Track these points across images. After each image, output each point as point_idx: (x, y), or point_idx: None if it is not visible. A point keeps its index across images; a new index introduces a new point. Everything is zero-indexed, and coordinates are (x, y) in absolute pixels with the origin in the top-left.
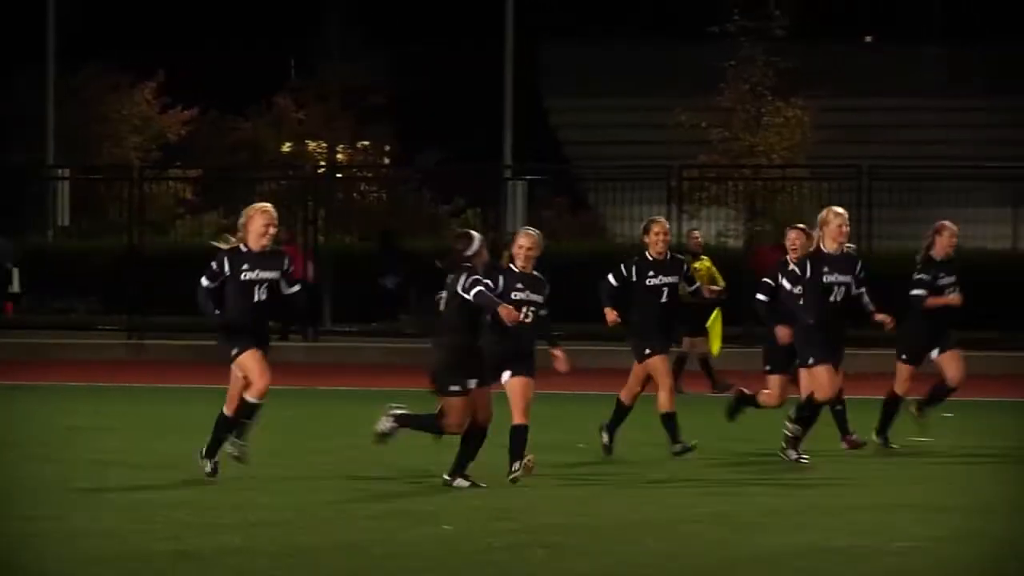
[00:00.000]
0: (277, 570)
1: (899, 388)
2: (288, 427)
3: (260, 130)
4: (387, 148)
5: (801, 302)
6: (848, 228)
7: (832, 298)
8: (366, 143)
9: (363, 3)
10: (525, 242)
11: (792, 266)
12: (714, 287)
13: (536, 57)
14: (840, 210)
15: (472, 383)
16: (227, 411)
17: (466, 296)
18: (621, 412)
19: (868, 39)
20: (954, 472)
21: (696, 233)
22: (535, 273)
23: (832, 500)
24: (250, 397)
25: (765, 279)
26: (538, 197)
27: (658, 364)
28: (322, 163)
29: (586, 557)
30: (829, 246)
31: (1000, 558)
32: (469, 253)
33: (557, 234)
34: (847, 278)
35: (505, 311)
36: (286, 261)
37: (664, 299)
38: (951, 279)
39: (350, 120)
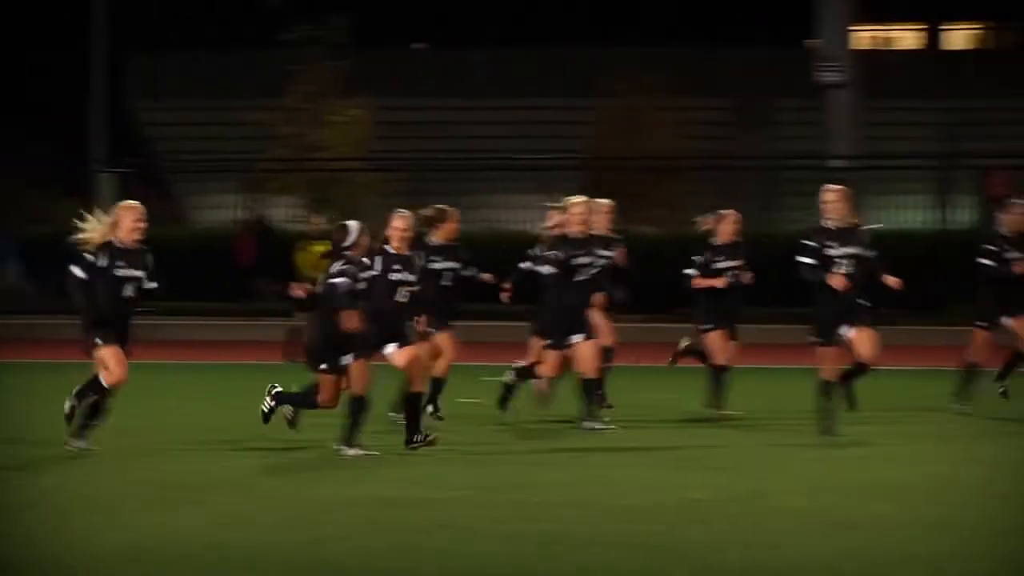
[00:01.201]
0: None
1: (718, 358)
2: None
3: None
4: None
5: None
6: (587, 215)
7: (580, 277)
8: None
9: None
10: (400, 223)
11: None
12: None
13: (130, 60)
14: (579, 199)
15: (345, 360)
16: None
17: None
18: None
19: (420, 45)
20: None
21: (316, 219)
22: (409, 253)
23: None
24: (106, 384)
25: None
26: (127, 188)
27: (443, 338)
28: None
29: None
30: (572, 230)
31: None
32: (347, 243)
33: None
34: (591, 259)
35: (347, 317)
36: (150, 258)
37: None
38: (733, 262)
39: None
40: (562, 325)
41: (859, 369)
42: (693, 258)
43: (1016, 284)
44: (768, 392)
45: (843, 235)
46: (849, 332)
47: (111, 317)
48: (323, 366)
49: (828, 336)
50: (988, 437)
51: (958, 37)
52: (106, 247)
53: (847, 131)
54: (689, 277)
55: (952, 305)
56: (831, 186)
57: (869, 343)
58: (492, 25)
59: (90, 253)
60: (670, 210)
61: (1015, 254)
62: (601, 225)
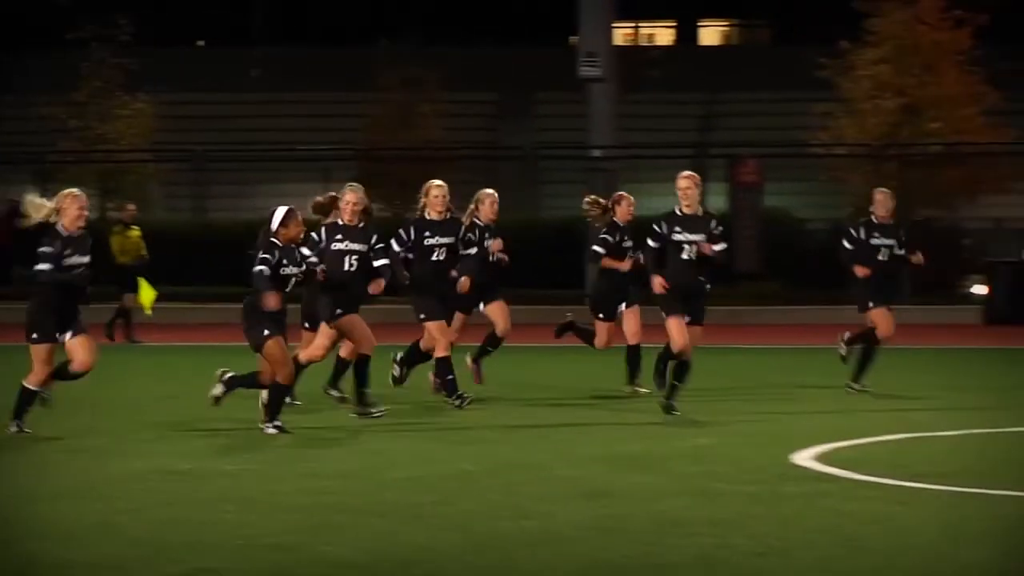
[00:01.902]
0: None
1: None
2: None
3: None
4: None
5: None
6: (446, 198)
7: (435, 257)
8: None
9: None
10: (351, 197)
11: (400, 231)
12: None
13: None
14: (440, 183)
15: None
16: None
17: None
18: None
19: (200, 43)
20: None
21: (130, 206)
22: (360, 225)
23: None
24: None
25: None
26: None
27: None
28: None
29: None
30: (432, 215)
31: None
32: (271, 228)
33: None
34: (449, 239)
35: (268, 298)
36: (90, 241)
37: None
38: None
39: None
40: (433, 300)
41: (675, 356)
42: (602, 237)
43: (884, 272)
44: (536, 371)
45: (692, 222)
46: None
47: (60, 304)
48: (266, 334)
49: (675, 310)
50: (735, 413)
51: (711, 34)
52: (54, 235)
53: (607, 123)
54: (598, 255)
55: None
56: (686, 173)
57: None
58: (271, 24)
59: (48, 244)
60: None
61: (882, 241)
62: (487, 215)
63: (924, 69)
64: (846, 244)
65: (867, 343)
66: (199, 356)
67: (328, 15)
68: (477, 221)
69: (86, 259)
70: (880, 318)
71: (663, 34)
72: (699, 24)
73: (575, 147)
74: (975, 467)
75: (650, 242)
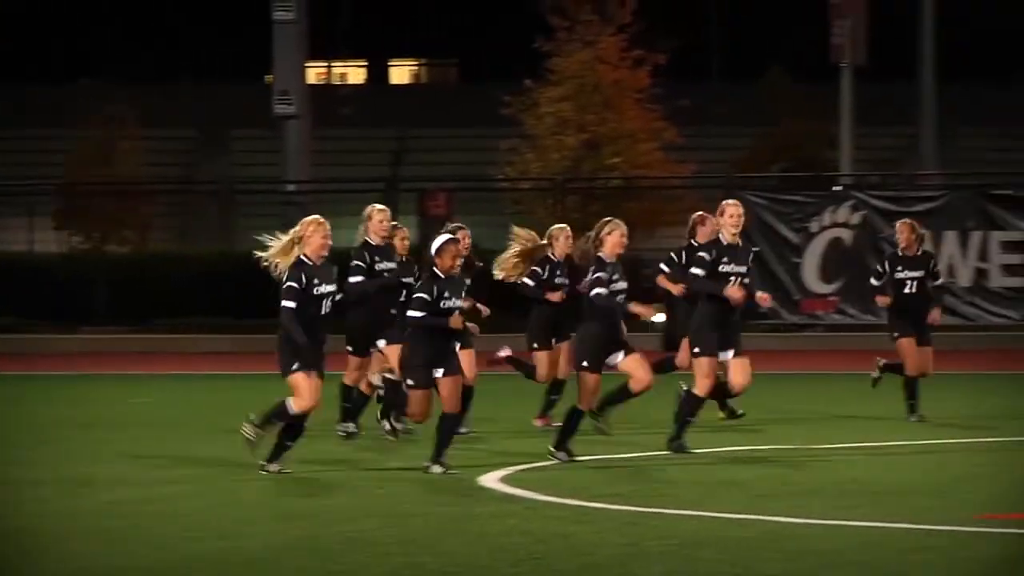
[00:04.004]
0: None
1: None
2: None
3: None
4: None
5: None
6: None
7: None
8: None
9: None
10: (621, 231)
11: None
12: None
13: None
14: (381, 207)
15: (438, 372)
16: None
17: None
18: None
19: None
20: None
21: None
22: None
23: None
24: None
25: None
26: None
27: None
28: None
29: None
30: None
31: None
32: (431, 253)
33: None
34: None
35: (453, 320)
36: (335, 270)
37: None
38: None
39: None
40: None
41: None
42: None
43: (913, 303)
44: (236, 398)
45: (738, 253)
46: (728, 354)
47: (309, 340)
48: (409, 382)
49: (711, 348)
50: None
51: (401, 72)
52: (299, 267)
53: (301, 158)
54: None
55: None
56: (733, 200)
57: (743, 365)
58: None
59: (294, 279)
60: (140, 230)
61: (907, 274)
62: (563, 250)
63: (604, 106)
64: (872, 281)
65: (897, 374)
66: None
67: (30, 53)
68: (552, 257)
69: (332, 287)
70: (907, 349)
71: (355, 73)
72: (389, 63)
73: (270, 182)
74: (653, 488)
75: (696, 270)
